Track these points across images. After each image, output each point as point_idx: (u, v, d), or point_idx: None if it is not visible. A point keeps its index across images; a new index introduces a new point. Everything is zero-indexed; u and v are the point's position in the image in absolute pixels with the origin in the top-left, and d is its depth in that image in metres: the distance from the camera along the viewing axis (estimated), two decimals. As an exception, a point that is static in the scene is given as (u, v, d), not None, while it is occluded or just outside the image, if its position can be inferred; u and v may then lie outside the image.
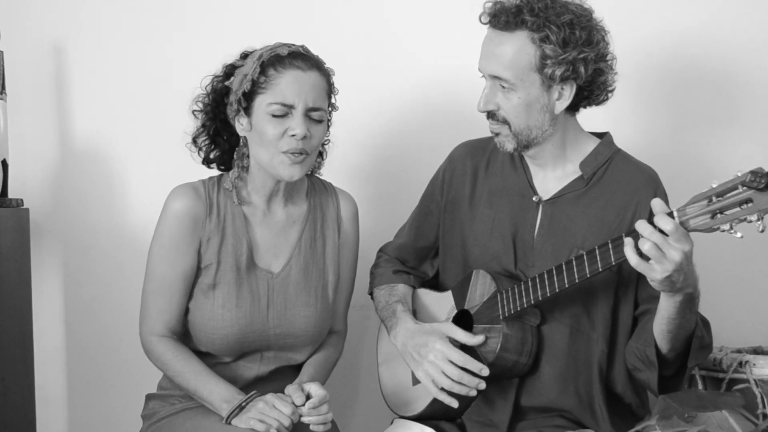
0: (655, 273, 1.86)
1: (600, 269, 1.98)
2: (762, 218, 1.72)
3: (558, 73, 2.11)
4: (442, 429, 2.26)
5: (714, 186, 1.78)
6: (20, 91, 2.78)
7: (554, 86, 2.14)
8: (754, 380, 2.33)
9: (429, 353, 2.17)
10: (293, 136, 2.17)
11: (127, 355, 2.78)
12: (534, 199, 2.24)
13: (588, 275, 2.00)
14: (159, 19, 2.86)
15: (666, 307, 1.99)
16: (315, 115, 2.20)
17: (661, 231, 1.83)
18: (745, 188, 1.73)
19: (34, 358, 2.64)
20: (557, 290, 2.06)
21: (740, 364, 2.36)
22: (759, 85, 2.82)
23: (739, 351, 2.49)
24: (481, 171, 2.35)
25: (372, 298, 2.48)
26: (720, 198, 1.77)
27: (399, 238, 2.50)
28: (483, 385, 2.12)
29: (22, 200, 2.64)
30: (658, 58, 2.81)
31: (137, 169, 2.85)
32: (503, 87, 2.15)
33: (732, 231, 1.77)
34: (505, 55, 2.13)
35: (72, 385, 2.88)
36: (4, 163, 2.61)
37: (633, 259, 1.86)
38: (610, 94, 2.23)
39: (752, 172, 1.71)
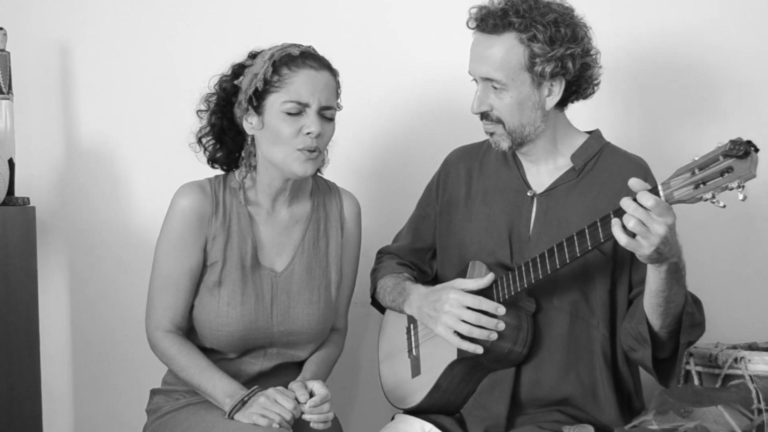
0: (643, 249, 1.91)
1: (590, 247, 2.01)
2: (743, 186, 1.77)
3: (547, 70, 2.17)
4: (441, 424, 2.27)
5: (696, 159, 1.84)
6: (27, 91, 2.79)
7: (544, 83, 2.19)
8: (750, 376, 2.34)
9: (444, 304, 2.19)
10: (308, 134, 2.19)
11: (132, 351, 2.79)
12: (528, 193, 2.28)
13: (578, 254, 2.03)
14: (163, 19, 2.87)
15: (654, 280, 2.03)
16: (327, 113, 2.23)
17: (645, 207, 1.88)
18: (725, 158, 1.78)
19: (40, 355, 2.64)
20: (549, 272, 2.09)
21: (736, 360, 2.38)
22: (738, 81, 2.82)
23: (734, 347, 2.50)
24: (475, 172, 2.38)
25: (374, 301, 2.49)
26: (702, 170, 1.82)
27: (397, 241, 2.53)
28: (502, 326, 2.15)
29: (28, 199, 2.65)
30: (638, 56, 2.82)
31: (142, 167, 2.86)
32: (495, 88, 2.20)
33: (715, 200, 1.81)
34: (495, 56, 2.18)
35: (77, 381, 2.90)
36: (11, 162, 2.62)
37: (622, 238, 1.91)
38: (596, 88, 2.29)
39: (732, 141, 1.77)
